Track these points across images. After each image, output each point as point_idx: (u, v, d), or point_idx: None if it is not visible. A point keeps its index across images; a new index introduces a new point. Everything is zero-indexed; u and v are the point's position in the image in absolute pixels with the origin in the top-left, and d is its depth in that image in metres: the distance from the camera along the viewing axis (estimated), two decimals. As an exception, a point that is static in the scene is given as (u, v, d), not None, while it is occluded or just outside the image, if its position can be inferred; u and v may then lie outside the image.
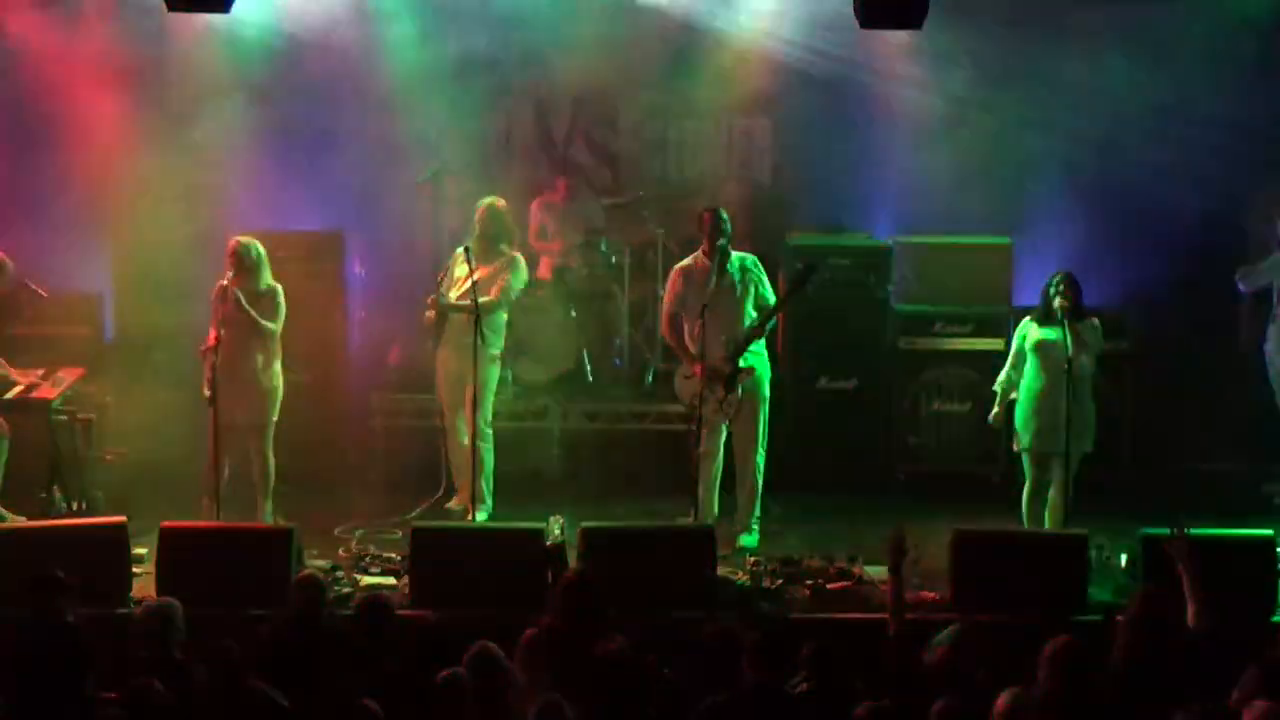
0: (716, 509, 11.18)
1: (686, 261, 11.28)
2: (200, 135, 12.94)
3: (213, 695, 7.37)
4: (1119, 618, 8.07)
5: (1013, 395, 10.84)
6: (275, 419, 11.09)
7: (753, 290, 11.09)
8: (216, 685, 7.37)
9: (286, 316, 11.02)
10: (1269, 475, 12.31)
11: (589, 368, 13.08)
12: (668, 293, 11.39)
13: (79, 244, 12.80)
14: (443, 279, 11.52)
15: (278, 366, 11.05)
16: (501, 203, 11.61)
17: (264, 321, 10.87)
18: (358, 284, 13.18)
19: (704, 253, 11.12)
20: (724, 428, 11.09)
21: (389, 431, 12.62)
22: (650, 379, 13.22)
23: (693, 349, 10.96)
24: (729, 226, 11.10)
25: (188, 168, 12.76)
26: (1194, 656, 7.86)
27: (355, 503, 11.69)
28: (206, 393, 10.59)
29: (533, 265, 13.28)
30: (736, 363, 10.93)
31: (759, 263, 11.24)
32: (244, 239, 10.99)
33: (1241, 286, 12.41)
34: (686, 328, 11.10)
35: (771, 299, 11.17)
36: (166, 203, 12.63)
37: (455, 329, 11.25)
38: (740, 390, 10.97)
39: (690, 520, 10.74)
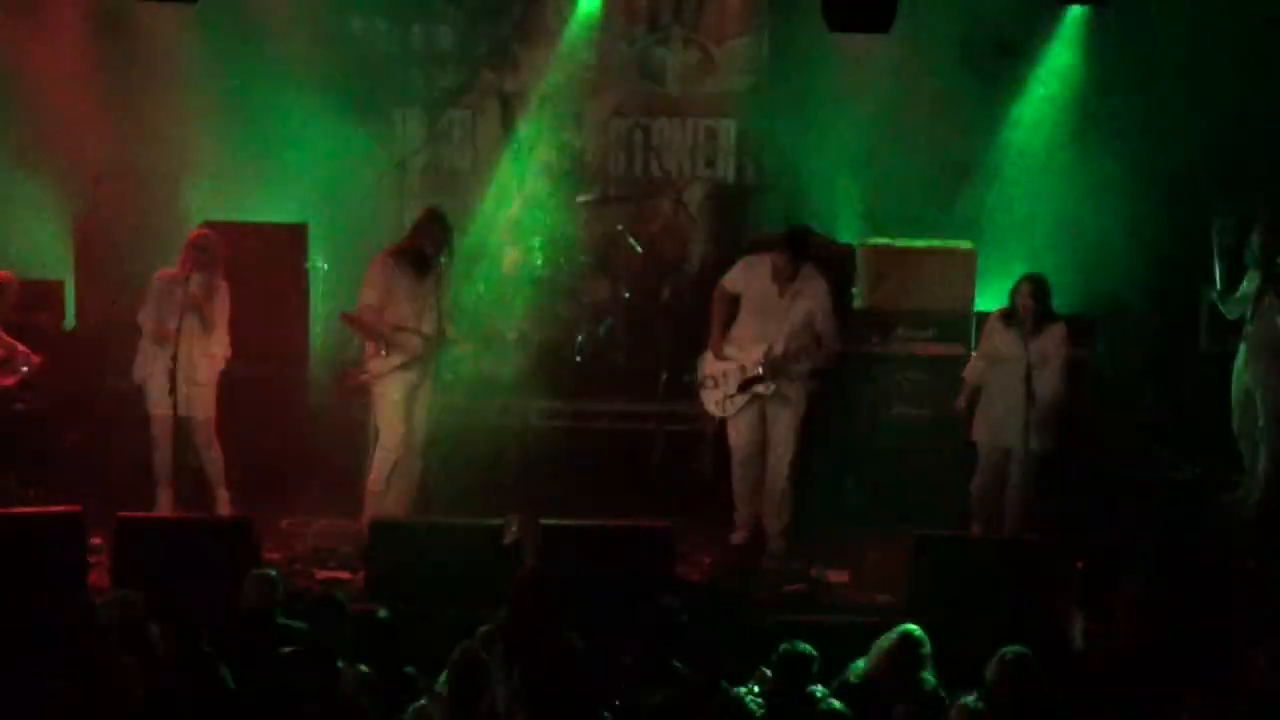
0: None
1: (760, 260, 11.03)
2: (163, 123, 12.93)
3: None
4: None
5: (983, 382, 10.86)
6: (213, 414, 11.01)
7: (806, 306, 10.93)
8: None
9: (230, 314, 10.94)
10: (1226, 485, 12.34)
11: (550, 365, 13.04)
12: (734, 272, 11.14)
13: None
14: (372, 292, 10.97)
15: (218, 361, 10.97)
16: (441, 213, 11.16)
17: (210, 317, 10.79)
18: (320, 277, 13.12)
19: (778, 264, 10.84)
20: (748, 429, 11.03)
21: (348, 426, 12.56)
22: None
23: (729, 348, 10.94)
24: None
25: (150, 156, 12.73)
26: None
27: (313, 496, 11.62)
28: (166, 384, 10.53)
29: (497, 260, 13.30)
30: (766, 373, 10.87)
31: (827, 291, 11.00)
32: (205, 231, 10.90)
33: (1225, 313, 12.38)
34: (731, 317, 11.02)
35: (825, 315, 10.96)
36: (128, 191, 12.58)
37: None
38: (750, 395, 10.90)
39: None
